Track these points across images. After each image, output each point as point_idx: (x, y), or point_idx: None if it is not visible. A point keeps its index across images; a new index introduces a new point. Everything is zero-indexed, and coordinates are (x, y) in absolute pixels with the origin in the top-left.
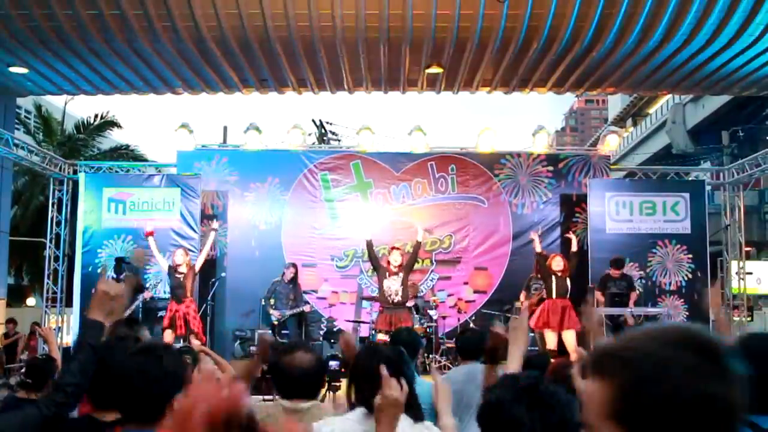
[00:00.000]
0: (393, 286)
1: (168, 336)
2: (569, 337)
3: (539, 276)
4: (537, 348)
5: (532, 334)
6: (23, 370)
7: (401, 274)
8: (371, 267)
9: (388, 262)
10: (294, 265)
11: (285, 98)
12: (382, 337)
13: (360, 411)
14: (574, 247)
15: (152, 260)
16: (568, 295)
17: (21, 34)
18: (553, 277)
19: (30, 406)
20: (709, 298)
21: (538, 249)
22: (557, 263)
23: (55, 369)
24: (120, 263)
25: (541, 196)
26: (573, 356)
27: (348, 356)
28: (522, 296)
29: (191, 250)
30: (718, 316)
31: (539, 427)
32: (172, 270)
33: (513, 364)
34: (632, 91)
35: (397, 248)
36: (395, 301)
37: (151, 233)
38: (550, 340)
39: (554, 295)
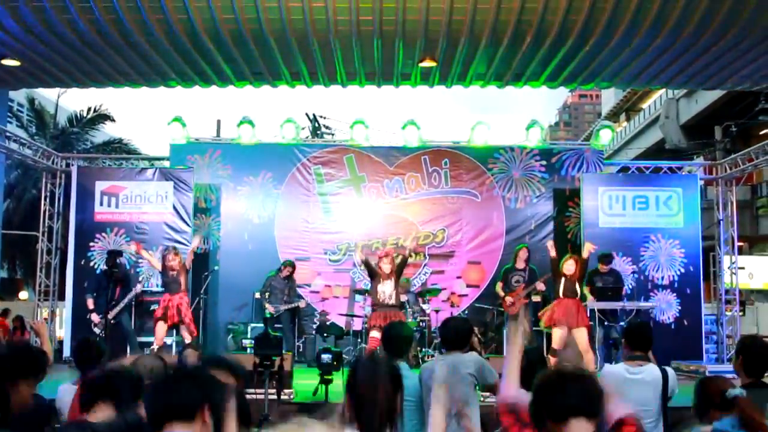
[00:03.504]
0: (387, 290)
1: (161, 328)
2: (581, 336)
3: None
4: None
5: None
6: None
7: (393, 279)
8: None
9: (380, 268)
10: (291, 264)
11: (278, 92)
12: (375, 335)
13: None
14: (584, 254)
15: (144, 263)
16: (577, 297)
17: (12, 27)
18: (563, 279)
19: None
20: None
21: (552, 254)
22: (568, 267)
23: (46, 362)
24: (113, 256)
25: (534, 190)
26: (586, 356)
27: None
28: (499, 287)
29: (183, 244)
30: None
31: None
32: (166, 269)
33: (512, 374)
34: (626, 85)
35: (387, 255)
36: (388, 303)
37: (138, 249)
38: (556, 338)
39: (561, 296)
